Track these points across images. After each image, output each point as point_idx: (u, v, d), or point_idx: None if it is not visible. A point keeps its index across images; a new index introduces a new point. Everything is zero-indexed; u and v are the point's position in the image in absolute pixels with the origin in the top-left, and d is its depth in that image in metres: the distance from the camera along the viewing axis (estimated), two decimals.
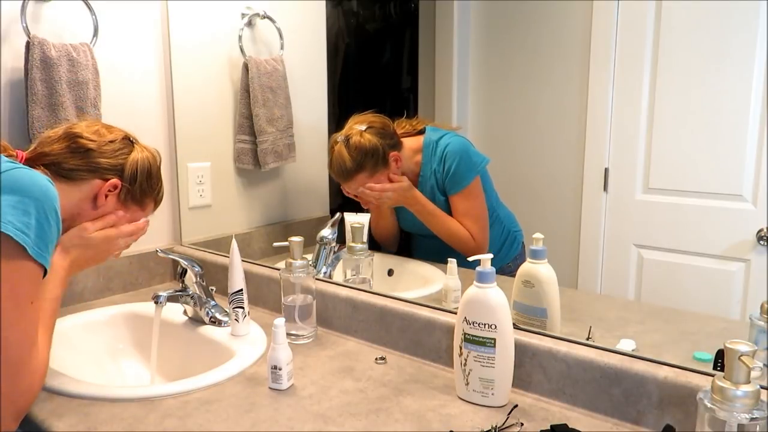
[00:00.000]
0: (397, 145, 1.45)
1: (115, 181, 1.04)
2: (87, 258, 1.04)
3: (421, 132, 1.47)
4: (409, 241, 1.60)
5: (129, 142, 1.08)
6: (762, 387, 0.75)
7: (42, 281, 0.94)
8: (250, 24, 1.71)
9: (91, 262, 1.06)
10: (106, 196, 1.04)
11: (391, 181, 1.43)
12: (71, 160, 1.01)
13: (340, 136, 1.44)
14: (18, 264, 0.80)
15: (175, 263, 1.55)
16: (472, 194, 1.40)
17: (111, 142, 1.04)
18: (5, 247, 0.78)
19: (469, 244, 1.37)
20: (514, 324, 1.00)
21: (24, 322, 0.82)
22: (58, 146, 1.01)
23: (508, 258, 1.38)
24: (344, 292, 1.30)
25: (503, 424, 0.93)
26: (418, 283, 1.49)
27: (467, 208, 1.40)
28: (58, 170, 1.00)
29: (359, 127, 1.42)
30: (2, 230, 0.77)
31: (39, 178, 0.85)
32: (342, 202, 1.69)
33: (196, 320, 1.34)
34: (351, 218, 1.43)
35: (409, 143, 1.47)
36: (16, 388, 0.81)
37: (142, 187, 1.08)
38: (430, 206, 1.43)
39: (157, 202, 1.14)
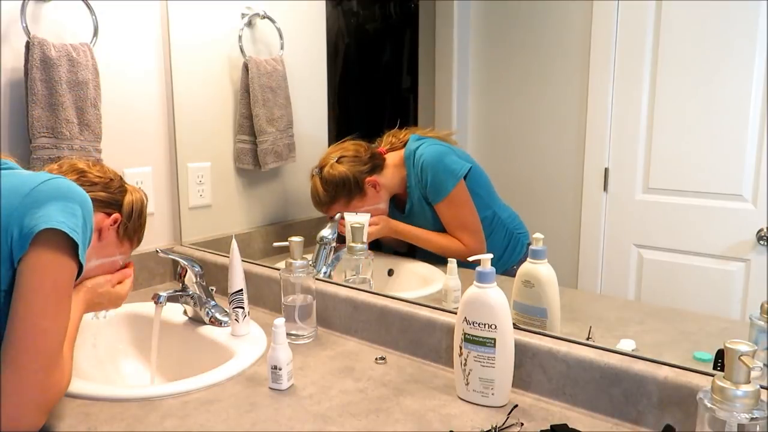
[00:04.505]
0: (375, 169, 1.47)
1: (117, 215, 1.10)
2: (96, 304, 1.10)
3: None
4: None
5: (123, 182, 1.15)
6: (762, 387, 0.75)
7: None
8: (250, 24, 1.71)
9: (96, 308, 1.12)
10: (109, 230, 1.09)
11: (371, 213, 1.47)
12: None
13: (315, 169, 1.50)
14: (64, 260, 0.85)
15: (175, 263, 1.55)
16: (455, 202, 1.40)
17: (112, 180, 1.11)
18: (56, 243, 0.84)
19: (462, 253, 1.37)
20: (514, 324, 1.00)
21: (62, 316, 0.86)
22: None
23: (512, 261, 1.37)
24: (344, 292, 1.30)
25: (503, 424, 0.93)
26: (418, 283, 1.49)
27: (453, 216, 1.41)
28: None
29: (332, 159, 1.48)
30: (59, 228, 0.83)
31: (77, 186, 0.91)
32: None
33: (196, 320, 1.34)
34: (351, 218, 1.43)
35: (394, 159, 1.49)
36: (49, 378, 0.83)
37: (134, 224, 1.14)
38: (414, 231, 1.47)
39: (139, 240, 1.19)
